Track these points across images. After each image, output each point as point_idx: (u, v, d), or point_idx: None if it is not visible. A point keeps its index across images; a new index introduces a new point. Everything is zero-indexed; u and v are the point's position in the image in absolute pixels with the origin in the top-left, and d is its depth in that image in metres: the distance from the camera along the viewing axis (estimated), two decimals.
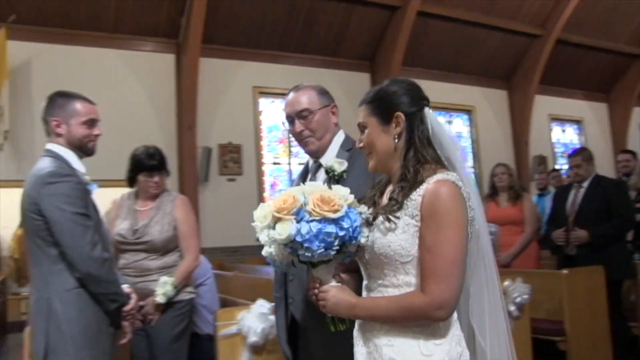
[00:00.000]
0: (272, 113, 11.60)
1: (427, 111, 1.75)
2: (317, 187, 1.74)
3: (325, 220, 1.64)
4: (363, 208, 1.78)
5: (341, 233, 1.65)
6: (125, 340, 2.82)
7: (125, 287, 2.76)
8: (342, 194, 1.71)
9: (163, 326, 3.46)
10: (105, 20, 10.17)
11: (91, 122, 2.79)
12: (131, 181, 3.75)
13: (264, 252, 1.76)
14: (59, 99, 2.80)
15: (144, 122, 10.27)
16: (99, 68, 10.21)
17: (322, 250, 1.64)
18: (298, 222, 1.66)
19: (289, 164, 11.74)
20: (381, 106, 1.79)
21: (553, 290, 4.79)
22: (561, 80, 14.11)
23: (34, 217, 2.57)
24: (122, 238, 3.57)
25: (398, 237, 1.65)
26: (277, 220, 1.68)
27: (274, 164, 11.60)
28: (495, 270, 1.77)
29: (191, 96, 10.27)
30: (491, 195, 5.79)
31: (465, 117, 13.71)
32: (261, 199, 10.77)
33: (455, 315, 1.68)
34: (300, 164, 11.75)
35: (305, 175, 2.59)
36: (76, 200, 2.54)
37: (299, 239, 1.64)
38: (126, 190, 3.91)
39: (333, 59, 11.96)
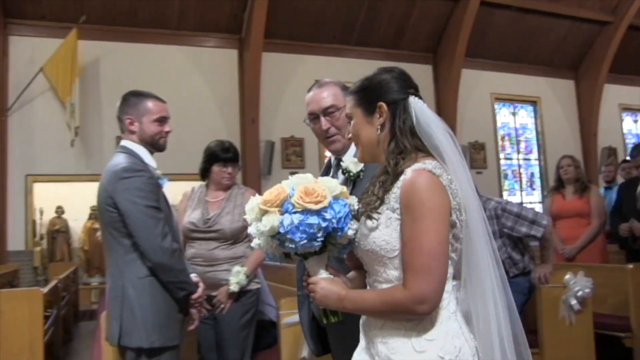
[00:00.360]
0: None
1: (412, 99, 1.68)
2: (304, 179, 1.71)
3: (307, 211, 1.63)
4: (353, 200, 1.73)
5: (324, 224, 1.62)
6: (192, 327, 2.88)
7: (194, 277, 2.83)
8: (329, 186, 1.68)
9: (231, 315, 3.52)
10: (170, 18, 10.41)
11: (162, 120, 2.85)
12: (204, 172, 3.78)
13: (252, 244, 1.76)
14: (132, 98, 2.88)
15: (208, 117, 10.46)
16: (164, 65, 10.46)
17: (305, 241, 1.63)
18: (282, 214, 1.65)
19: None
20: (365, 97, 1.73)
21: (618, 284, 4.62)
22: (633, 68, 13.60)
23: (109, 209, 2.66)
24: (193, 226, 3.61)
25: (382, 232, 1.60)
26: (264, 212, 1.68)
27: None
28: (489, 258, 1.63)
29: (254, 91, 10.38)
30: (557, 187, 5.66)
31: (530, 108, 13.41)
32: None
33: (451, 307, 1.60)
34: None
35: (327, 172, 2.47)
36: (148, 194, 2.63)
37: (282, 230, 1.64)
38: (193, 184, 3.97)
39: (394, 52, 11.84)
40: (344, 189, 1.73)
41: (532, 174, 13.55)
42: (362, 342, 1.72)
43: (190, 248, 3.60)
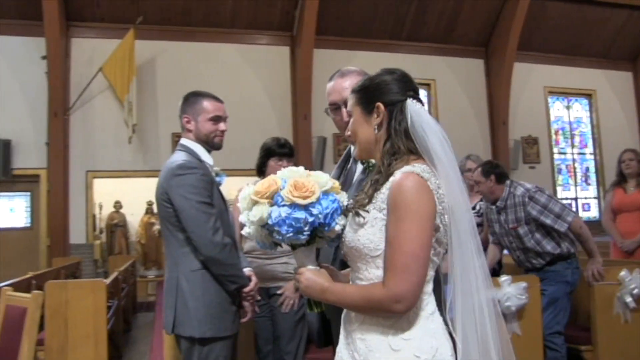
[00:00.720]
0: None
1: (410, 102, 1.69)
2: (296, 172, 1.73)
3: (295, 206, 1.65)
4: (343, 196, 1.74)
5: (310, 219, 1.64)
6: (245, 320, 2.93)
7: (247, 271, 2.89)
8: (319, 181, 1.69)
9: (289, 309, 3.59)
10: (223, 17, 10.60)
11: (217, 119, 2.92)
12: (260, 168, 3.84)
13: (243, 232, 1.79)
14: (190, 98, 2.97)
15: (261, 113, 10.62)
16: (218, 62, 10.67)
17: (291, 234, 1.66)
18: (272, 205, 1.68)
19: None
20: (365, 96, 1.74)
21: None
22: None
23: (165, 204, 2.76)
24: None
25: (367, 231, 1.62)
26: (254, 202, 1.71)
27: None
28: (476, 259, 1.62)
29: (306, 87, 10.48)
30: (618, 182, 5.57)
31: (585, 101, 13.11)
32: None
33: (430, 308, 1.62)
34: None
35: (346, 161, 2.42)
36: (201, 191, 2.70)
37: (270, 222, 1.67)
38: (247, 179, 4.04)
39: (445, 46, 11.80)
40: (336, 184, 1.74)
41: (587, 169, 13.23)
42: (342, 337, 1.74)
43: (248, 241, 3.63)
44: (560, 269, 4.21)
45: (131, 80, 9.62)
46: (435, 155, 1.62)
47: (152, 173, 8.33)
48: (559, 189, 12.70)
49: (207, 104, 2.92)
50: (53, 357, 4.12)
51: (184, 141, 2.91)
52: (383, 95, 1.70)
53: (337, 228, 1.71)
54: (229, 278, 2.70)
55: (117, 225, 11.24)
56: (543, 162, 12.41)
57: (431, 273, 1.61)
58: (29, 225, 10.21)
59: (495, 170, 4.37)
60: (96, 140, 10.08)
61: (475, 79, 12.04)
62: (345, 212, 1.71)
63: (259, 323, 3.58)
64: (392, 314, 1.55)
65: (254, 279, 2.86)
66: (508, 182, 4.38)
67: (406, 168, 1.58)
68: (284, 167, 3.70)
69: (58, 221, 9.68)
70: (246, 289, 2.79)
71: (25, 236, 10.12)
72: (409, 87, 1.71)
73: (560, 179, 12.93)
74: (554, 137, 12.85)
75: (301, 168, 1.76)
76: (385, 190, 1.60)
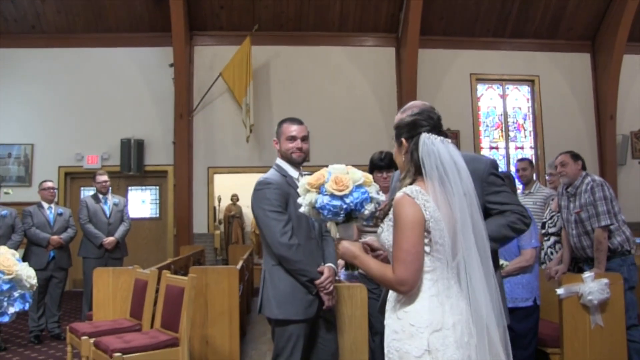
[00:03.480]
0: (489, 99, 11.80)
1: (422, 136, 2.17)
2: (339, 169, 2.39)
3: (333, 195, 2.32)
4: (373, 188, 2.41)
5: (344, 206, 2.32)
6: (325, 307, 3.29)
7: (325, 266, 3.27)
8: (353, 177, 2.35)
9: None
10: (332, 21, 11.16)
11: (292, 138, 3.35)
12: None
13: (300, 209, 2.50)
14: (279, 124, 3.46)
15: (368, 111, 11.09)
16: (327, 64, 11.27)
17: (331, 216, 2.35)
18: (319, 194, 2.36)
19: (506, 147, 11.81)
20: (396, 134, 2.30)
21: None
22: None
23: (254, 213, 3.29)
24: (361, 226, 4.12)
25: (385, 234, 2.17)
26: (307, 190, 2.41)
27: (491, 148, 11.76)
28: (475, 252, 2.08)
29: (411, 86, 10.80)
30: None
31: None
32: None
33: (431, 291, 2.07)
34: (517, 147, 11.76)
35: None
36: (272, 201, 3.17)
37: (316, 206, 2.36)
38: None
39: (550, 42, 11.74)
40: (368, 178, 2.41)
41: None
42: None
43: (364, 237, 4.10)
44: (615, 267, 4.46)
45: (248, 83, 10.33)
46: (431, 180, 2.12)
47: (267, 169, 8.94)
48: None
49: (285, 126, 3.41)
50: (196, 331, 4.81)
51: (277, 160, 3.43)
52: (404, 133, 2.26)
53: (367, 213, 2.38)
54: (297, 272, 3.19)
55: (233, 217, 12.05)
56: None
57: (434, 265, 2.08)
58: (157, 216, 11.31)
59: (581, 158, 4.80)
60: (216, 139, 10.99)
61: (580, 74, 11.88)
62: (374, 219, 2.36)
63: (371, 302, 3.98)
64: (398, 292, 2.11)
65: (326, 273, 3.25)
66: (584, 172, 4.74)
67: (403, 189, 2.11)
68: (384, 178, 4.24)
69: (183, 212, 10.66)
70: (317, 282, 3.22)
71: (154, 225, 11.25)
72: (421, 124, 2.22)
73: None
74: None
75: (343, 165, 2.43)
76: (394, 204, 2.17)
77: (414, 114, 2.28)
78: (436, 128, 2.23)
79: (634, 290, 4.48)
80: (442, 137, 2.18)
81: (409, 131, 2.23)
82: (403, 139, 2.25)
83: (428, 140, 2.15)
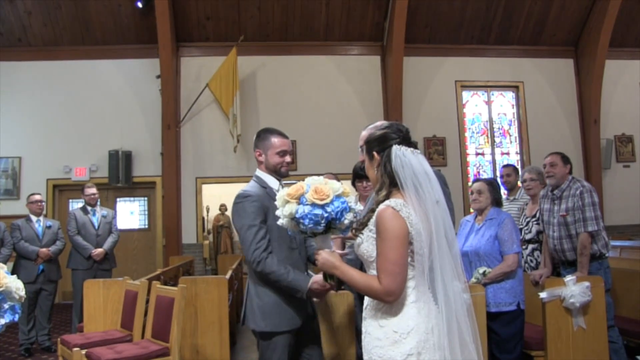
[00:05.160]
0: (474, 105, 11.93)
1: (394, 148, 2.22)
2: (317, 180, 2.42)
3: (314, 205, 2.33)
4: (351, 198, 2.44)
5: (325, 215, 2.33)
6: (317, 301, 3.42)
7: (315, 276, 3.23)
8: (333, 187, 2.37)
9: None
10: (317, 31, 11.26)
11: (283, 153, 3.35)
12: (353, 185, 4.55)
13: (278, 222, 2.49)
14: (261, 135, 3.39)
15: (355, 120, 11.09)
16: (313, 73, 11.36)
17: (312, 225, 2.34)
18: (298, 204, 2.36)
19: (492, 153, 11.93)
20: (367, 148, 2.34)
21: None
22: None
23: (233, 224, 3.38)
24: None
25: (364, 245, 2.21)
26: (286, 201, 2.41)
27: (477, 154, 11.88)
28: (449, 260, 2.19)
29: (397, 94, 10.92)
30: None
31: None
32: (465, 189, 11.14)
33: (412, 298, 2.15)
34: (503, 153, 11.88)
35: None
36: (250, 214, 3.13)
37: (297, 216, 2.35)
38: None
39: (534, 48, 11.91)
40: (346, 189, 2.42)
41: None
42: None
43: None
44: (593, 270, 4.54)
45: (235, 94, 10.41)
46: (407, 191, 2.19)
47: None
48: None
49: (275, 140, 3.35)
50: (187, 340, 4.83)
51: (257, 172, 3.40)
52: (375, 147, 2.32)
53: (346, 222, 2.41)
54: (275, 283, 3.13)
55: (222, 227, 12.04)
56: (639, 160, 12.23)
57: (414, 273, 2.15)
58: (145, 226, 11.31)
59: (570, 162, 4.88)
60: (204, 150, 11.02)
61: (564, 79, 12.04)
62: (351, 230, 2.41)
63: (357, 308, 4.01)
64: (384, 302, 2.14)
65: (312, 280, 3.18)
66: (571, 177, 4.82)
67: (387, 201, 2.16)
68: (364, 187, 4.33)
69: (172, 223, 10.68)
70: (313, 286, 3.16)
71: (143, 236, 11.24)
72: (392, 137, 2.28)
73: None
74: None
75: (321, 177, 2.48)
76: (374, 216, 2.20)
77: (384, 128, 2.34)
78: (406, 140, 2.27)
79: (610, 292, 4.57)
80: (412, 149, 2.24)
81: (379, 144, 2.28)
82: (374, 152, 2.30)
83: (399, 152, 2.21)
